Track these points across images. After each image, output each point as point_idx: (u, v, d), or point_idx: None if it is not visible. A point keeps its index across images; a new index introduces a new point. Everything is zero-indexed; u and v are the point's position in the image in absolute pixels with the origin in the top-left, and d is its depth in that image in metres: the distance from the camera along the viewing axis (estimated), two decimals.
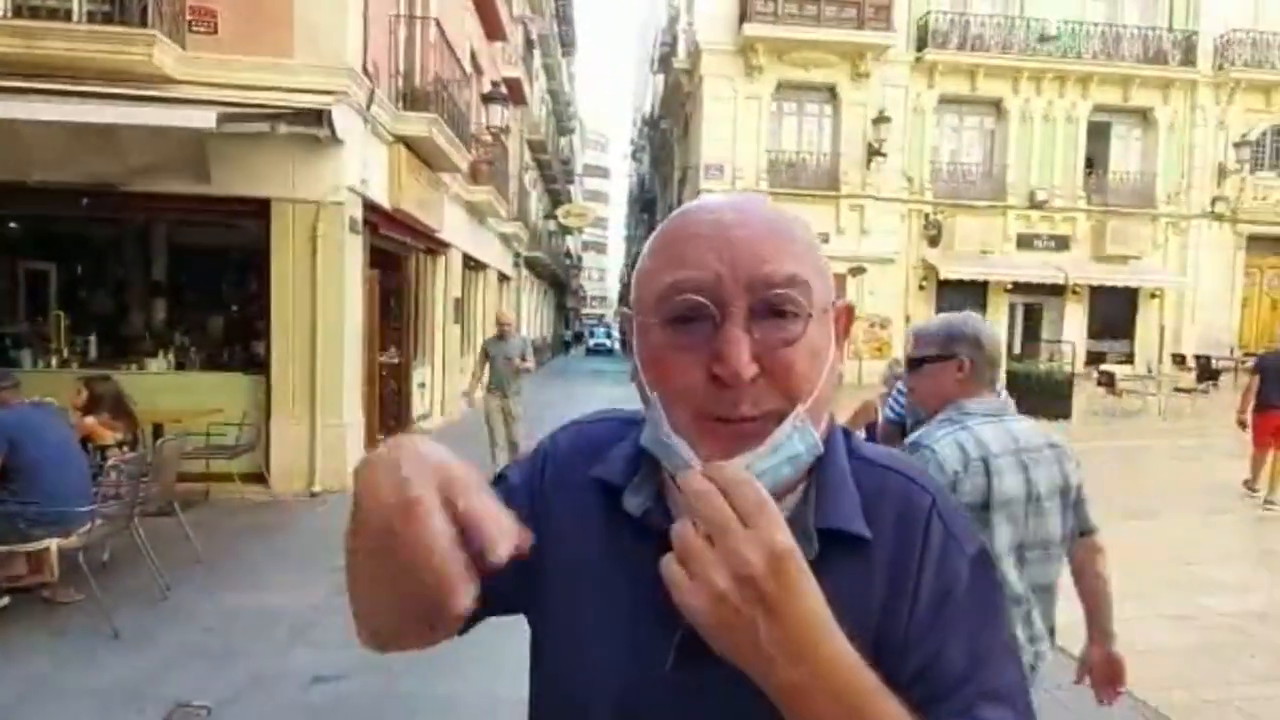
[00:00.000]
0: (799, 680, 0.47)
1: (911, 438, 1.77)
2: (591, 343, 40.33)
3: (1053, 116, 18.45)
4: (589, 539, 0.65)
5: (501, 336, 6.80)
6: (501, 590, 0.57)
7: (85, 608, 3.81)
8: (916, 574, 0.59)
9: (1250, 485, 7.13)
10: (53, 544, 3.60)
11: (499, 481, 0.72)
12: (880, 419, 4.10)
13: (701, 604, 0.46)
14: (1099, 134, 19.00)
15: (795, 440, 0.55)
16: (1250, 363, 17.17)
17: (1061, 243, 18.54)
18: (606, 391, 16.61)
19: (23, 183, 5.22)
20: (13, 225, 7.58)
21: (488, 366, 6.74)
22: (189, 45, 5.80)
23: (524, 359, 6.70)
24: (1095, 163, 19.07)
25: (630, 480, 0.64)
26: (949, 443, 1.62)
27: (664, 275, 0.58)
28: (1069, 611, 3.96)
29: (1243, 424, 7.03)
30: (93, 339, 7.28)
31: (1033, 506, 1.68)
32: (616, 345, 36.49)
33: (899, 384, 3.23)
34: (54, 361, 6.72)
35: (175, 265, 8.63)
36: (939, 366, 1.75)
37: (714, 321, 0.55)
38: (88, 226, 8.22)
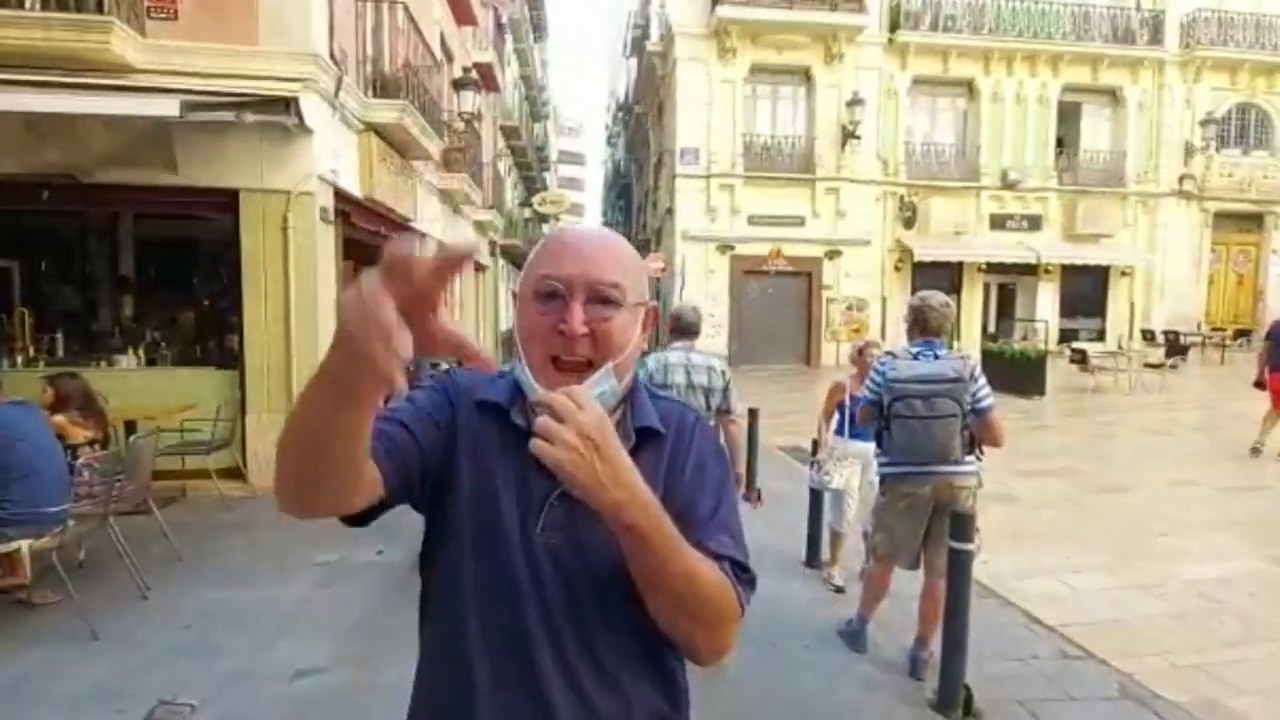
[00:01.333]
0: (621, 497, 0.77)
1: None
2: None
3: (1024, 97, 18.64)
4: (488, 443, 0.95)
5: None
6: (419, 475, 0.93)
7: (63, 609, 3.74)
8: (685, 455, 0.98)
9: (1259, 445, 7.64)
10: (24, 545, 3.52)
11: (446, 380, 1.02)
12: (849, 397, 4.14)
13: (561, 455, 0.75)
14: (1069, 114, 19.24)
15: (603, 381, 0.89)
16: (1217, 338, 17.66)
17: (1034, 223, 18.79)
18: None
19: None
20: None
21: None
22: (149, 32, 5.63)
23: None
24: (1066, 143, 19.32)
25: (513, 404, 0.96)
26: (650, 360, 3.60)
27: (540, 269, 0.93)
28: (1024, 564, 3.99)
29: (1260, 385, 7.74)
30: (59, 336, 7.09)
31: (690, 391, 3.53)
32: None
33: (877, 364, 3.31)
34: (19, 360, 6.54)
35: (143, 259, 8.41)
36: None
37: (564, 300, 0.90)
38: (51, 220, 7.98)
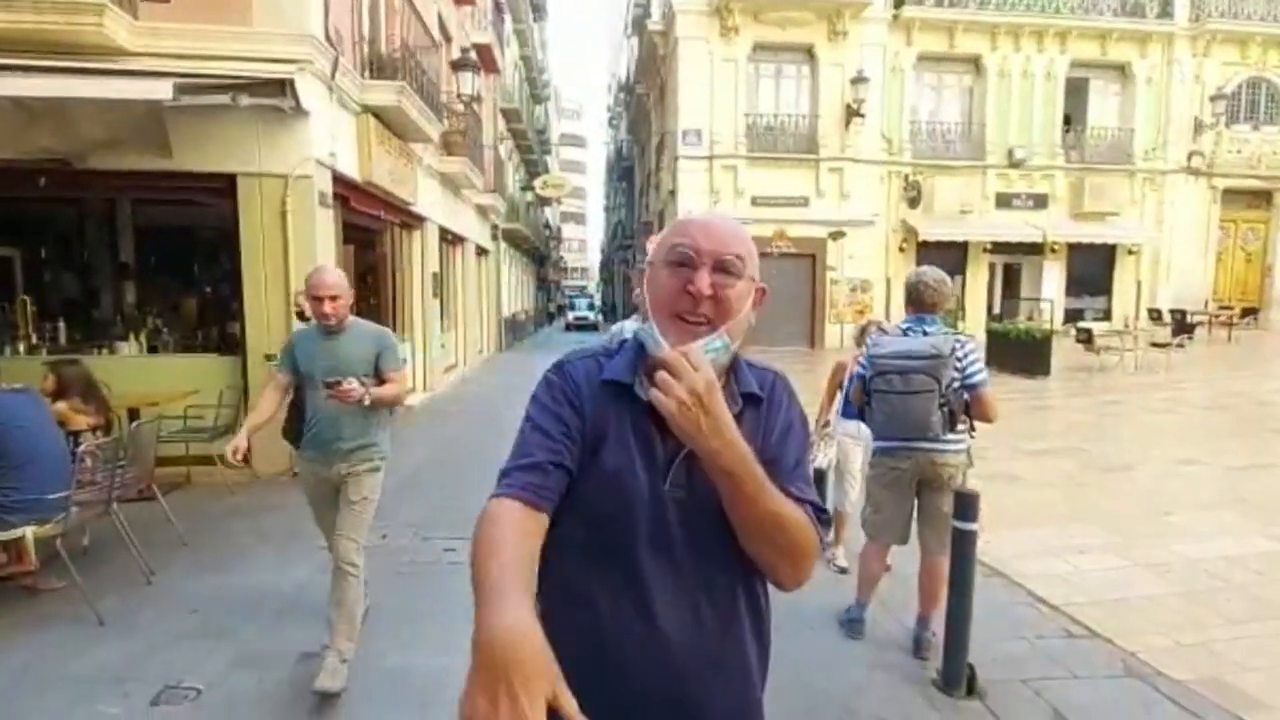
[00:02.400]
0: (718, 445, 0.97)
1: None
2: (572, 316, 33.80)
3: (1031, 73, 18.37)
4: (615, 418, 1.11)
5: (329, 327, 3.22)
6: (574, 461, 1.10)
7: (68, 595, 3.76)
8: (776, 415, 1.17)
9: None
10: (27, 532, 3.53)
11: (563, 380, 1.16)
12: (849, 377, 4.14)
13: (673, 407, 0.96)
14: (1077, 90, 18.96)
15: (719, 341, 1.07)
16: (1225, 316, 17.51)
17: (1040, 201, 18.60)
18: None
19: None
20: None
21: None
22: (141, 14, 5.56)
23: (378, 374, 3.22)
24: (1073, 120, 19.06)
25: (634, 379, 1.12)
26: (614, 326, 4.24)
27: (671, 239, 1.11)
28: (1026, 546, 3.96)
29: None
30: (61, 324, 7.09)
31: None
32: (600, 318, 33.21)
33: (868, 341, 3.35)
34: (22, 348, 6.55)
35: (144, 246, 8.39)
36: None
37: (693, 266, 1.08)
38: (52, 209, 7.97)
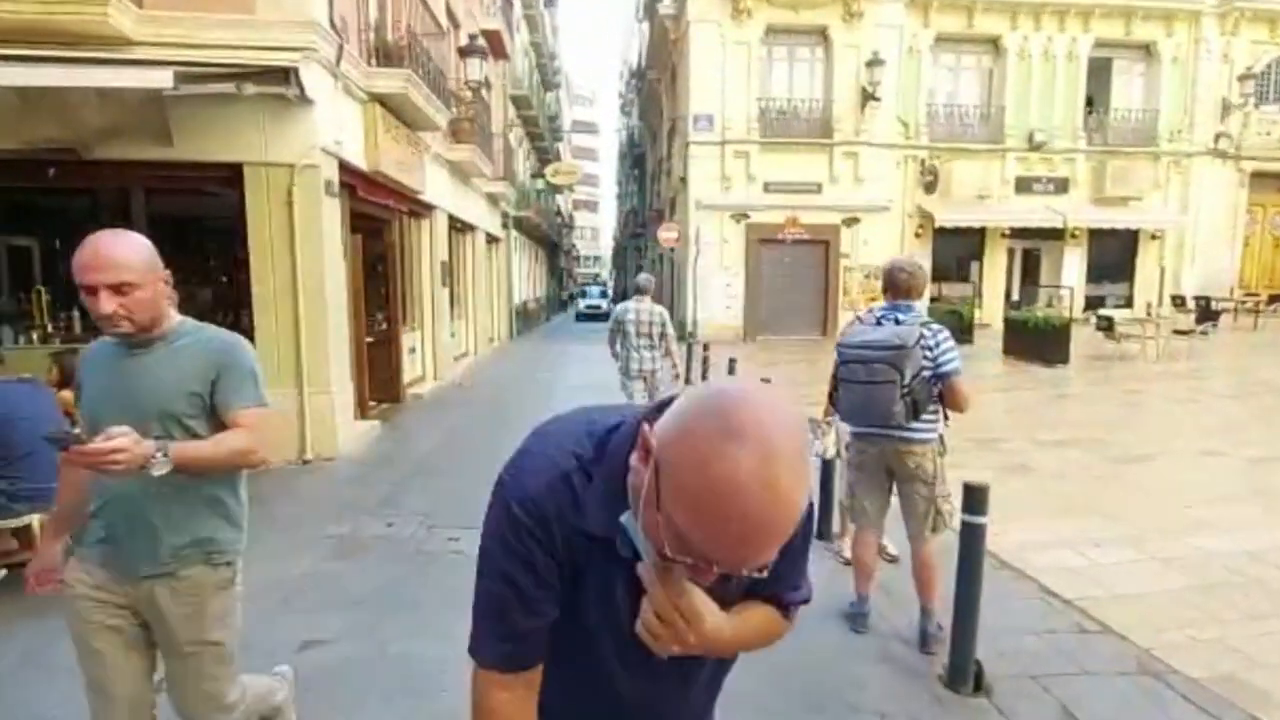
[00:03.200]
0: (708, 651, 0.94)
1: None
2: (584, 305, 31.87)
3: (1052, 53, 17.96)
4: (593, 569, 0.94)
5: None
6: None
7: None
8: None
9: None
10: (35, 520, 3.56)
11: (523, 533, 0.93)
12: None
13: (662, 649, 0.89)
14: (1100, 71, 18.52)
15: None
16: (1251, 303, 17.12)
17: (1061, 185, 18.24)
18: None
19: None
20: None
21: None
22: (146, 4, 5.54)
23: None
24: (1096, 101, 18.64)
25: (616, 535, 0.88)
26: (617, 308, 6.51)
27: (689, 530, 0.75)
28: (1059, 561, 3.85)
29: None
30: (76, 314, 7.15)
31: (640, 325, 6.23)
32: (612, 306, 34.23)
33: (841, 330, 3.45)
34: (35, 337, 6.61)
35: (158, 236, 8.33)
36: None
37: (704, 575, 0.82)
38: (67, 200, 8.00)
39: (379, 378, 8.62)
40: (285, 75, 5.52)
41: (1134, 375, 11.21)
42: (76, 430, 1.64)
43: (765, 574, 0.80)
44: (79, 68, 4.49)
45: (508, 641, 0.95)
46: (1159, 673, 2.97)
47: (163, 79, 4.37)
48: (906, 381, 3.03)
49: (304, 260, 6.17)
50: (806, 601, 1.09)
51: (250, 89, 5.36)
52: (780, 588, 1.04)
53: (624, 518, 0.85)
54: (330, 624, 3.47)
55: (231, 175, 6.06)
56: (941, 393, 3.13)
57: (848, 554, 4.20)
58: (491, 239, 17.04)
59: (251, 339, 6.38)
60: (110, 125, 4.39)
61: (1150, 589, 3.79)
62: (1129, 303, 18.78)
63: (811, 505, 0.91)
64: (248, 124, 5.88)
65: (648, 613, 0.85)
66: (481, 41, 11.03)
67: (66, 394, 4.30)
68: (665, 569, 0.83)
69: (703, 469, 0.72)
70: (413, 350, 10.20)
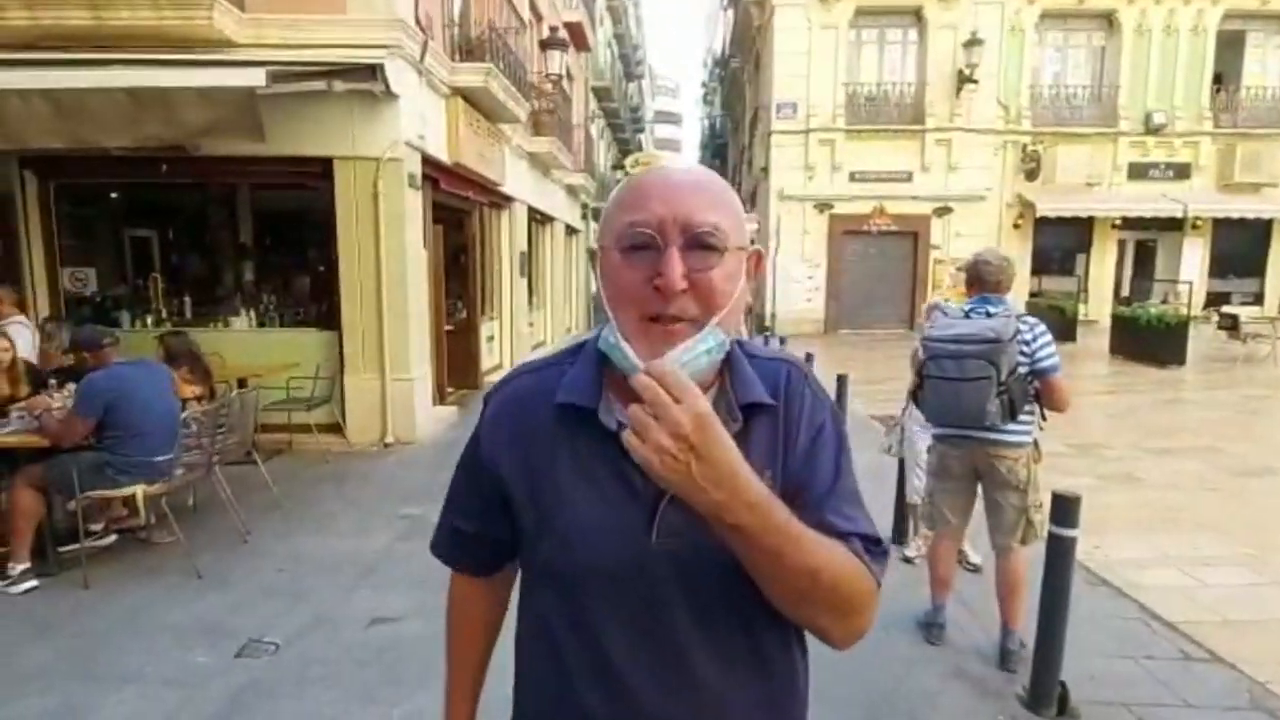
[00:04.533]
0: (723, 499, 0.69)
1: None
2: None
3: (1175, 27, 16.45)
4: (571, 454, 0.84)
5: None
6: (515, 534, 0.90)
7: (174, 549, 4.09)
8: (799, 421, 0.87)
9: None
10: (139, 490, 3.84)
11: (475, 441, 0.93)
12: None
13: (653, 456, 0.67)
14: (1231, 45, 16.84)
15: (708, 338, 0.78)
16: None
17: (1181, 171, 16.75)
18: None
19: (105, 152, 5.47)
20: (114, 196, 8.06)
21: None
22: (248, 7, 5.87)
23: None
24: (1225, 79, 16.96)
25: (599, 403, 0.84)
26: None
27: (624, 216, 0.80)
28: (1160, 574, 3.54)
29: None
30: (187, 299, 7.71)
31: None
32: None
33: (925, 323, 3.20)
34: (150, 321, 7.17)
35: (259, 227, 8.99)
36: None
37: (658, 249, 0.77)
38: (180, 194, 8.63)
39: (457, 365, 8.87)
40: (372, 72, 5.71)
41: (1259, 380, 10.18)
42: None
43: (719, 238, 0.78)
44: (181, 69, 4.81)
45: (442, 533, 1.00)
46: (1276, 710, 2.66)
47: (256, 78, 4.62)
48: (1003, 378, 2.81)
49: (388, 251, 6.41)
50: (878, 544, 0.85)
51: (340, 86, 5.58)
52: (815, 492, 0.84)
53: (599, 339, 0.84)
54: (399, 602, 3.58)
55: (323, 169, 6.36)
56: (1038, 392, 2.90)
57: (909, 553, 4.02)
58: (570, 230, 17.24)
59: (339, 326, 6.74)
60: (209, 123, 4.68)
61: (1267, 616, 3.41)
62: (1258, 300, 17.08)
63: (835, 409, 0.92)
64: (338, 119, 6.14)
65: (637, 410, 0.67)
66: (563, 34, 11.12)
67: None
68: (644, 329, 0.77)
69: (625, 183, 0.84)
70: (490, 339, 10.46)
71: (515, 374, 0.94)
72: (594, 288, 22.05)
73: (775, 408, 0.86)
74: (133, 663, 3.04)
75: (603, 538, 0.81)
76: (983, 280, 3.02)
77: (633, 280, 0.78)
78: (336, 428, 6.57)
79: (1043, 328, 2.94)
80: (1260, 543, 4.29)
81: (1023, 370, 2.85)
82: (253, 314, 7.32)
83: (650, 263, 0.77)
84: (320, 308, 7.66)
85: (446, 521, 1.00)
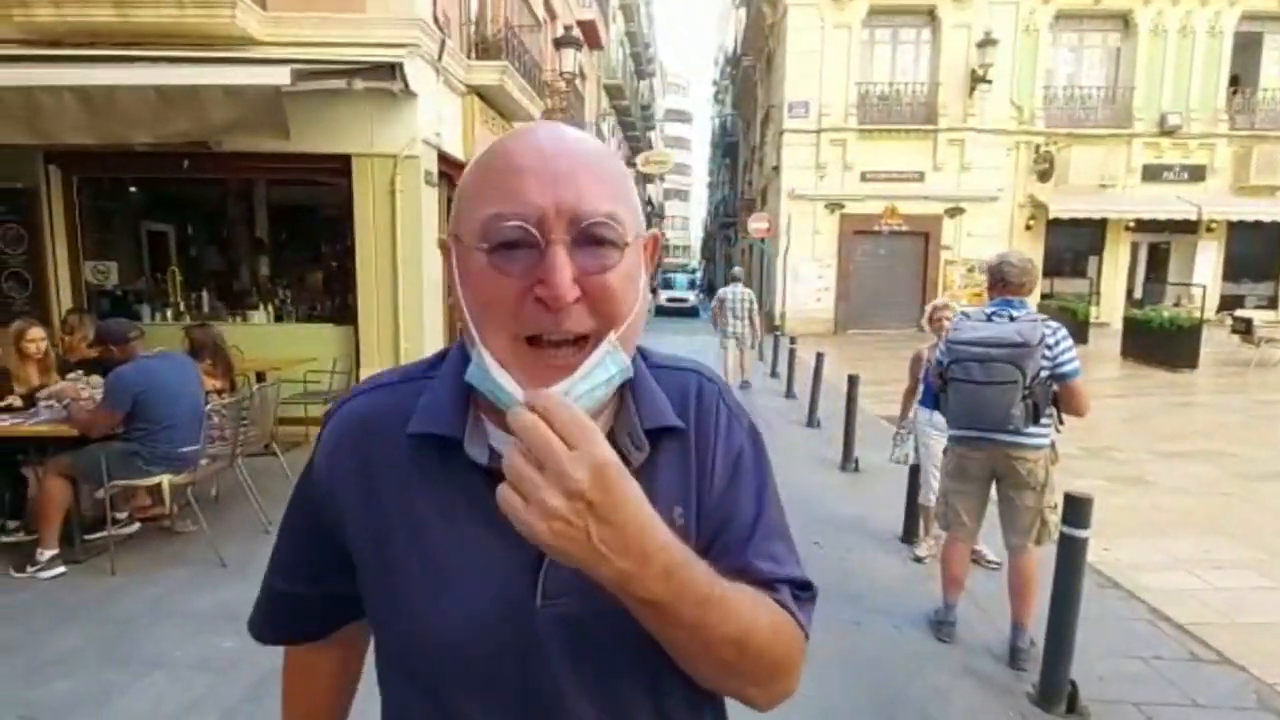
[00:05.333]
0: (629, 569, 0.54)
1: None
2: (665, 297, 25.73)
3: (1191, 28, 16.35)
4: (428, 494, 0.67)
5: None
6: (354, 591, 0.71)
7: (198, 538, 4.17)
8: (714, 446, 0.72)
9: None
10: (165, 480, 3.93)
11: (306, 475, 0.75)
12: (927, 365, 3.93)
13: (538, 522, 0.51)
14: (1248, 47, 16.72)
15: (609, 363, 0.61)
16: None
17: (1196, 173, 16.65)
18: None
19: (130, 147, 5.57)
20: (133, 190, 8.17)
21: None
22: (269, 6, 5.96)
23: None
24: (1242, 80, 16.84)
25: (464, 430, 0.66)
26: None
27: (488, 206, 0.60)
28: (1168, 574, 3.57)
29: None
30: (205, 294, 7.82)
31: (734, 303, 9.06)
32: (702, 297, 27.31)
33: (950, 325, 3.22)
34: (170, 315, 7.28)
35: (275, 223, 9.10)
36: None
37: (538, 249, 0.59)
38: (198, 188, 8.76)
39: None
40: (392, 71, 5.78)
41: (1272, 384, 10.13)
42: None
43: (617, 229, 0.61)
44: (208, 67, 4.91)
45: (261, 605, 0.82)
46: None
47: (281, 76, 4.70)
48: (1028, 383, 2.84)
49: (404, 246, 6.49)
50: (807, 588, 0.72)
51: (359, 84, 5.66)
52: (737, 529, 0.70)
53: (468, 374, 0.63)
54: None
55: (341, 166, 6.44)
56: (1057, 396, 2.93)
57: (920, 553, 4.06)
58: None
59: (355, 320, 6.80)
60: (234, 120, 4.77)
61: (1276, 619, 3.43)
62: (1272, 304, 16.98)
63: (753, 427, 0.77)
64: (356, 117, 6.22)
65: (511, 453, 0.51)
66: (576, 32, 11.17)
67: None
68: (522, 354, 0.60)
69: (481, 156, 0.65)
70: None
71: (359, 390, 0.75)
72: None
73: (685, 431, 0.70)
74: (161, 647, 3.12)
75: (472, 608, 0.64)
76: (1006, 282, 3.04)
77: (505, 290, 0.59)
78: None
79: (1064, 332, 2.95)
80: (1269, 547, 4.31)
81: (1044, 374, 2.87)
82: (270, 308, 7.42)
83: (527, 266, 0.59)
84: (336, 302, 7.76)
85: (269, 587, 0.80)
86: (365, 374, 6.65)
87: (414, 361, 0.77)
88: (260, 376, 5.95)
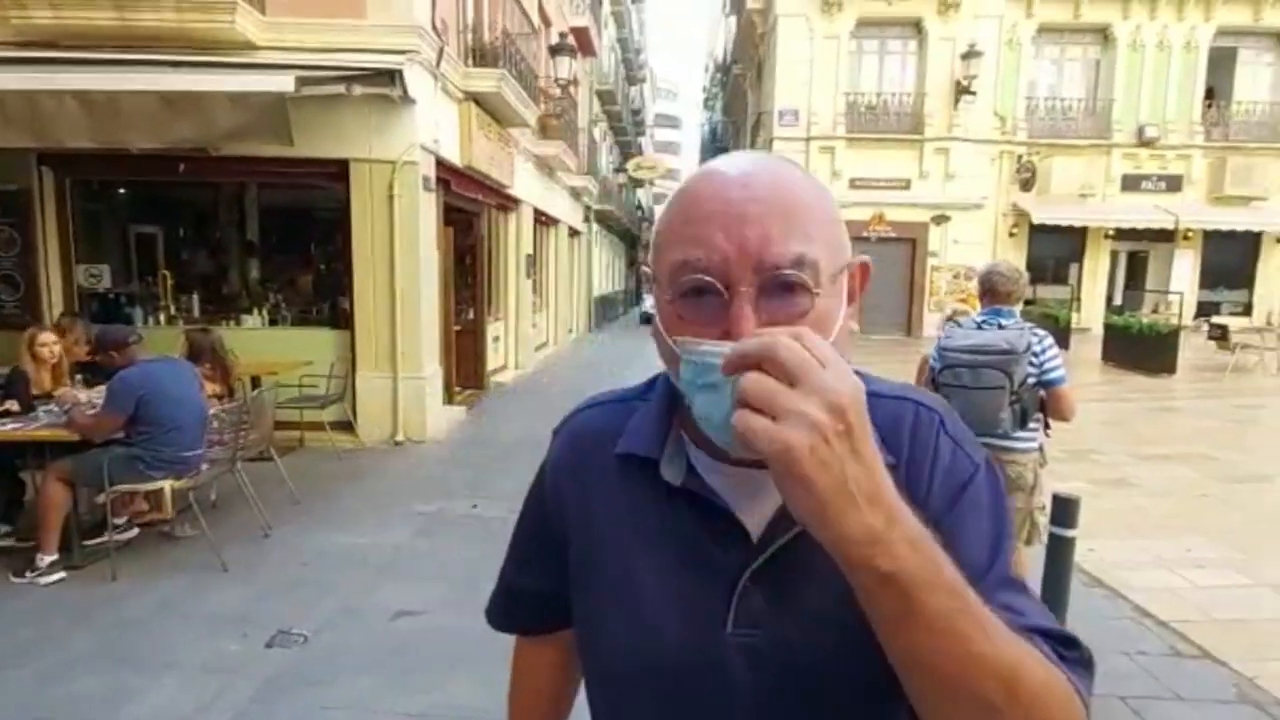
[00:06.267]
0: (877, 525, 0.46)
1: None
2: (650, 304, 26.51)
3: (1168, 43, 16.75)
4: (630, 513, 0.68)
5: None
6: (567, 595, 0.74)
7: (199, 542, 4.19)
8: (928, 474, 0.64)
9: None
10: (166, 485, 3.95)
11: (540, 477, 0.81)
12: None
13: (799, 438, 0.44)
14: (1222, 61, 17.15)
15: None
16: None
17: (1173, 183, 17.03)
18: None
19: (126, 150, 5.57)
20: (122, 191, 8.14)
21: None
22: (268, 11, 5.98)
23: None
24: (1216, 93, 17.26)
25: (663, 452, 0.67)
26: None
27: (675, 252, 0.60)
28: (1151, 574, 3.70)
29: None
30: (195, 297, 7.80)
31: None
32: None
33: (941, 332, 3.30)
34: (162, 319, 7.25)
35: (268, 226, 9.10)
36: None
37: (723, 296, 0.57)
38: (188, 191, 8.74)
39: (465, 365, 8.99)
40: (390, 77, 5.83)
41: (1248, 389, 10.40)
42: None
43: (798, 269, 0.57)
44: (212, 73, 4.93)
45: (498, 595, 0.88)
46: (1261, 703, 2.81)
47: (285, 83, 4.74)
48: (1015, 388, 2.96)
49: (401, 251, 6.52)
50: (1075, 646, 0.58)
51: (359, 90, 5.70)
52: (971, 571, 0.53)
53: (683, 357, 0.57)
54: (422, 596, 3.70)
55: (339, 171, 6.47)
56: (1044, 401, 3.06)
57: None
58: (574, 232, 17.38)
59: (352, 325, 6.84)
60: (238, 126, 4.80)
61: (1255, 615, 3.57)
62: (1247, 311, 17.37)
63: (989, 462, 0.67)
64: (355, 122, 6.25)
65: (749, 376, 0.47)
66: (571, 40, 11.26)
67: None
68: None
69: (674, 195, 0.65)
70: (496, 339, 10.57)
71: (582, 407, 0.80)
72: (594, 291, 22.07)
73: (897, 466, 0.63)
74: (170, 650, 3.15)
75: (663, 622, 0.64)
76: (995, 291, 3.18)
77: (698, 335, 0.58)
78: (347, 425, 6.68)
79: (1050, 340, 3.09)
80: (1248, 546, 4.46)
81: (1031, 380, 3.00)
82: (264, 312, 7.42)
83: (713, 314, 0.57)
84: (330, 306, 7.77)
85: (504, 580, 0.87)
86: (361, 378, 6.67)
87: (635, 386, 0.78)
88: (255, 381, 5.96)
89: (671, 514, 0.66)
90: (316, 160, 6.37)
